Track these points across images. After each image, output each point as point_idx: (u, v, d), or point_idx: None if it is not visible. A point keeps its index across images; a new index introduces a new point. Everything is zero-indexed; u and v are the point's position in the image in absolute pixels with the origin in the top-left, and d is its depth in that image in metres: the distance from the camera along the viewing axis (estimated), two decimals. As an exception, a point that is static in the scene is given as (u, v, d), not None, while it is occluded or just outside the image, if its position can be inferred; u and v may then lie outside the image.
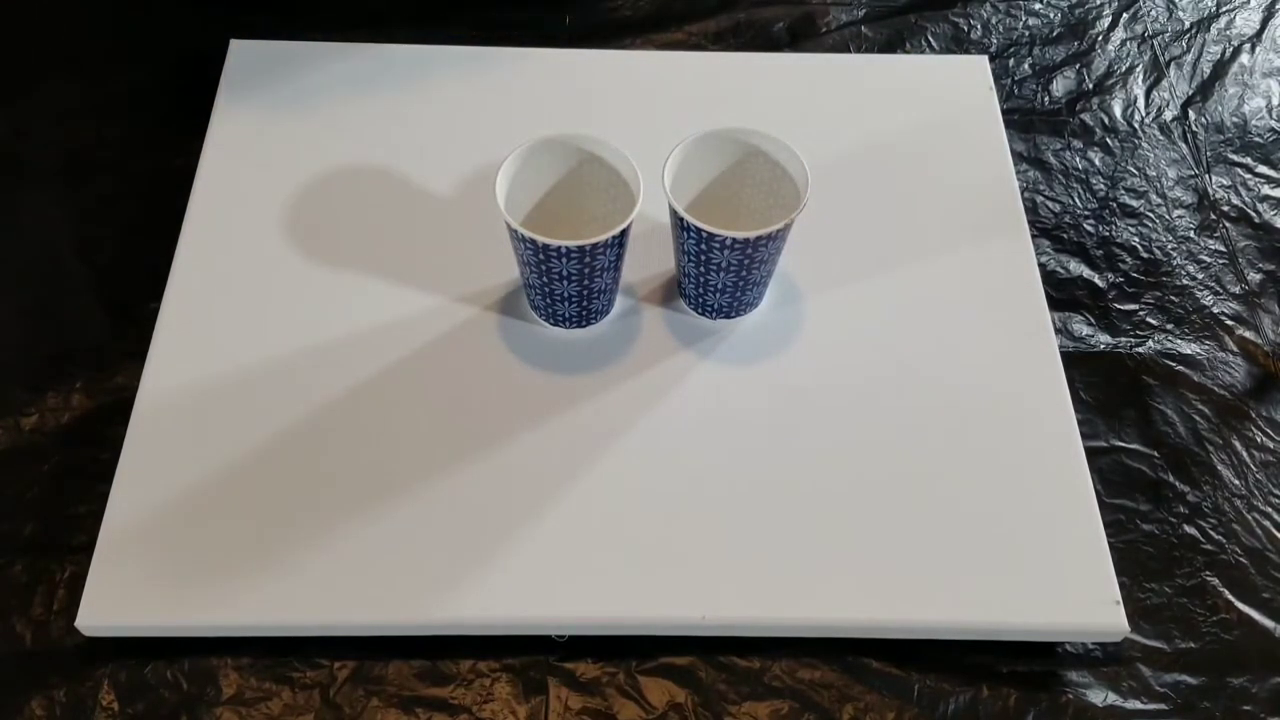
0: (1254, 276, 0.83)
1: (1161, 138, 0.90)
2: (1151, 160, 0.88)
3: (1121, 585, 0.67)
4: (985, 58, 0.91)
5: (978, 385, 0.73)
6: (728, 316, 0.75)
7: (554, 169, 0.72)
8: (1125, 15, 0.97)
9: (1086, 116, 0.91)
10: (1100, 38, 0.96)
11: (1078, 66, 0.94)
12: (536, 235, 0.66)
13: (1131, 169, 0.88)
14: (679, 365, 0.74)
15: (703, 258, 0.70)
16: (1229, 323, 0.80)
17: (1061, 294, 0.81)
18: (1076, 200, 0.86)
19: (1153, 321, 0.80)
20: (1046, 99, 0.92)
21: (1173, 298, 0.81)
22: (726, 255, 0.69)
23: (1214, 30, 0.97)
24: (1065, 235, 0.84)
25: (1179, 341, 0.79)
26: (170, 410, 0.70)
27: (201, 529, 0.66)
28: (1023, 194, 0.84)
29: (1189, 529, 0.71)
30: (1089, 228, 0.84)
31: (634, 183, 0.69)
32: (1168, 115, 0.91)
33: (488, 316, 0.75)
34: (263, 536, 0.66)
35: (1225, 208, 0.86)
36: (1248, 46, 0.96)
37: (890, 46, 0.94)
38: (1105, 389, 0.77)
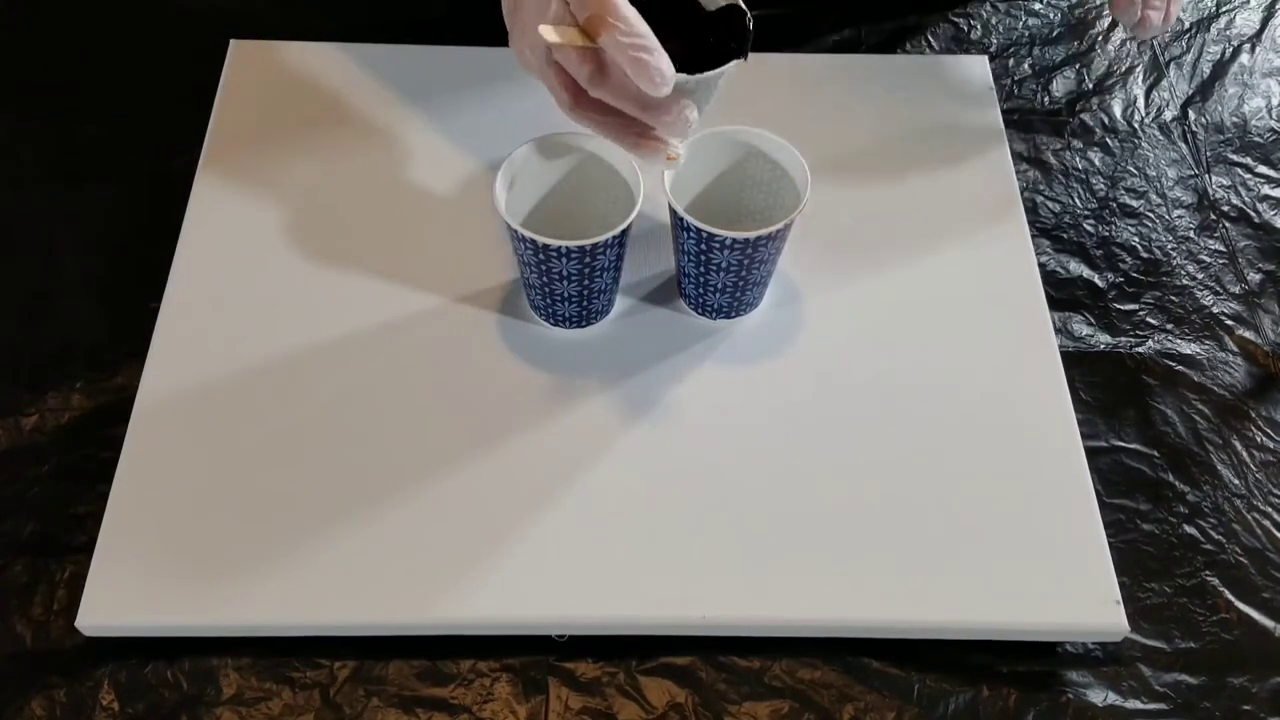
0: (1254, 276, 0.83)
1: (1161, 138, 0.90)
2: (1151, 160, 0.88)
3: (1121, 585, 0.67)
4: (985, 58, 0.91)
5: (977, 385, 0.73)
6: (728, 316, 0.75)
7: (554, 169, 0.72)
8: (1125, 15, 0.97)
9: (1086, 116, 0.91)
10: (1100, 38, 0.96)
11: (1078, 66, 0.94)
12: (536, 235, 0.66)
13: (1131, 169, 0.88)
14: (679, 365, 0.74)
15: (703, 258, 0.70)
16: (1229, 323, 0.80)
17: (1061, 294, 0.81)
18: (1076, 200, 0.86)
19: (1153, 321, 0.80)
20: (1046, 99, 0.92)
21: (1173, 298, 0.81)
22: (726, 255, 0.69)
23: (1214, 30, 0.97)
24: (1065, 235, 0.84)
25: (1179, 341, 0.79)
26: (170, 410, 0.70)
27: (202, 529, 0.66)
28: (1023, 194, 0.84)
29: (1189, 529, 0.71)
30: (1089, 228, 0.84)
31: (634, 183, 0.69)
32: (1168, 115, 0.91)
33: (488, 316, 0.75)
34: (263, 536, 0.66)
35: (1225, 208, 0.86)
36: (1248, 46, 0.96)
37: (890, 46, 0.94)
38: (1105, 389, 0.77)
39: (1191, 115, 0.91)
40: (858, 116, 0.86)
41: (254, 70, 0.86)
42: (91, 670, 0.64)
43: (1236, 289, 0.82)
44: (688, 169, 0.72)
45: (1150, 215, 0.85)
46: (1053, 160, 0.88)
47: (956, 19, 0.96)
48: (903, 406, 0.72)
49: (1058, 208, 0.85)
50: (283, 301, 0.75)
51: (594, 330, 0.75)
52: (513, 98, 0.85)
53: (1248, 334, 0.80)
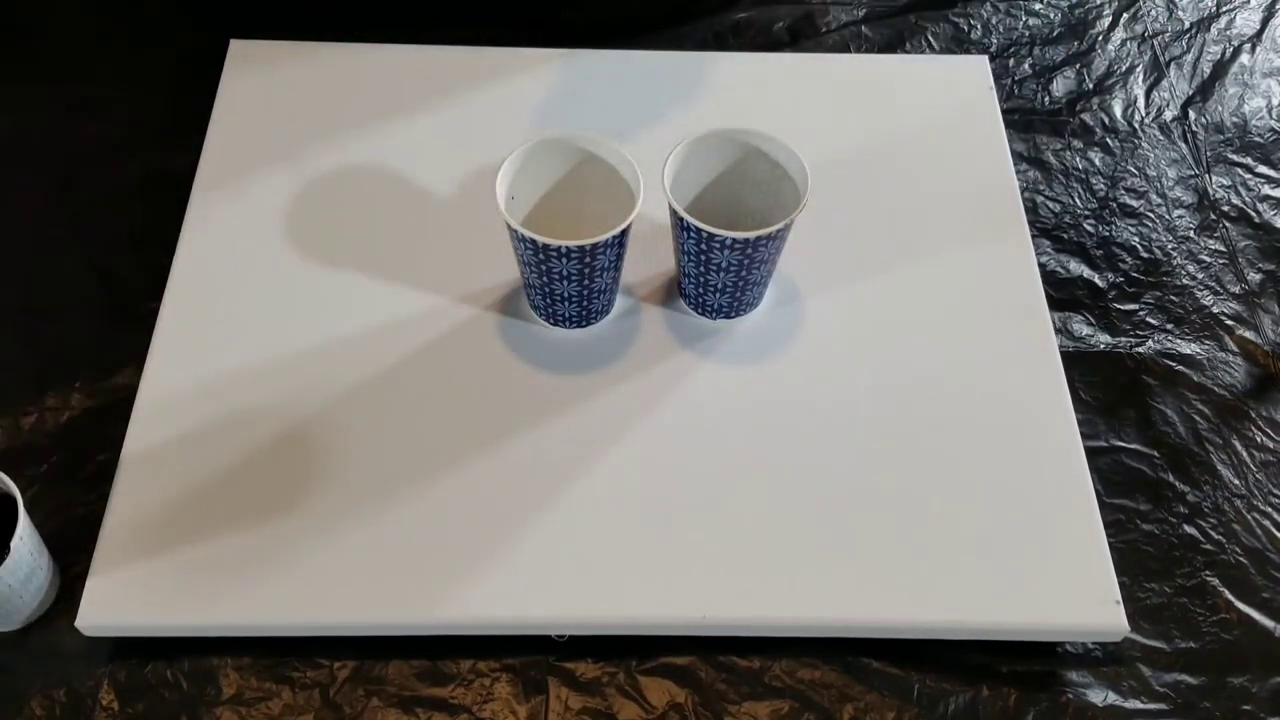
0: (1254, 276, 0.83)
1: (1161, 138, 0.90)
2: (1151, 160, 0.88)
3: (1121, 585, 0.67)
4: (985, 58, 0.91)
5: (977, 385, 0.73)
6: (728, 316, 0.75)
7: (554, 169, 0.72)
8: (1125, 15, 0.97)
9: (1086, 116, 0.91)
10: (1100, 38, 0.96)
11: (1078, 66, 0.94)
12: (536, 235, 0.66)
13: (1131, 169, 0.88)
14: (679, 365, 0.74)
15: (703, 258, 0.70)
16: (1229, 323, 0.80)
17: (1061, 294, 0.81)
18: (1076, 200, 0.86)
19: (1153, 321, 0.80)
20: (1046, 99, 0.92)
21: (1173, 298, 0.81)
22: (726, 255, 0.69)
23: (1214, 30, 0.97)
24: (1065, 235, 0.84)
25: (1179, 341, 0.79)
26: (170, 410, 0.70)
27: (201, 529, 0.66)
28: (1023, 194, 0.84)
29: (1189, 529, 0.71)
30: (1089, 228, 0.84)
31: (634, 183, 0.69)
32: (1168, 115, 0.91)
33: (488, 316, 0.75)
34: (263, 536, 0.66)
35: (1225, 208, 0.86)
36: (1248, 46, 0.96)
37: (890, 46, 0.94)
38: (1105, 389, 0.77)
39: (1192, 115, 0.91)
40: (858, 116, 0.86)
41: (254, 70, 0.86)
42: (91, 670, 0.64)
43: (1236, 289, 0.82)
44: (688, 169, 0.72)
45: (1150, 215, 0.85)
46: (1053, 160, 0.88)
47: (956, 19, 0.96)
48: (902, 406, 0.72)
49: (1058, 208, 0.85)
50: (282, 301, 0.75)
51: (594, 330, 0.75)
52: (512, 98, 0.85)
53: (1248, 334, 0.80)
